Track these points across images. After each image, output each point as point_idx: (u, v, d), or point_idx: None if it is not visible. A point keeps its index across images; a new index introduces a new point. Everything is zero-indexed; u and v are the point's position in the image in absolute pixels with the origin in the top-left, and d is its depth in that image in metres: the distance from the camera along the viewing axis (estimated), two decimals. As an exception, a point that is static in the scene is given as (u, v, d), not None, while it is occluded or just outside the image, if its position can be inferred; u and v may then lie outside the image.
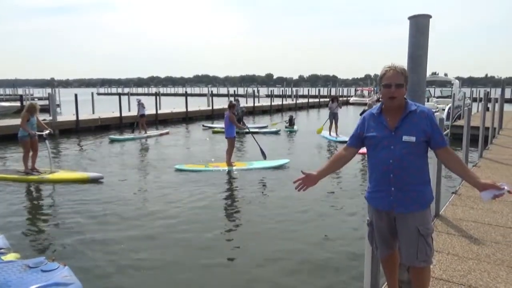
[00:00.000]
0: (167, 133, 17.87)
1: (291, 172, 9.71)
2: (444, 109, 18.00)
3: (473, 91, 30.51)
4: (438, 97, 25.38)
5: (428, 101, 22.70)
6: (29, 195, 7.83)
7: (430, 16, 2.87)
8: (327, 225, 6.14)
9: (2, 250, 4.52)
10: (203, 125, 21.13)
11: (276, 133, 17.96)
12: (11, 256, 4.37)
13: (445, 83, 29.98)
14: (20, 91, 60.34)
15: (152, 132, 17.68)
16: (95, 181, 8.55)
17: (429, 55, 2.94)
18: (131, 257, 4.98)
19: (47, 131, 8.97)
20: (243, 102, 31.39)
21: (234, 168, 9.96)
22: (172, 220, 6.34)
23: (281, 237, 5.67)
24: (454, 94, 19.17)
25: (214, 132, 18.31)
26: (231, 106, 10.69)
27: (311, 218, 6.44)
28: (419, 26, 2.87)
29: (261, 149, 10.54)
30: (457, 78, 24.75)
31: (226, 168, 9.94)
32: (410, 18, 2.90)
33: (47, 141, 8.98)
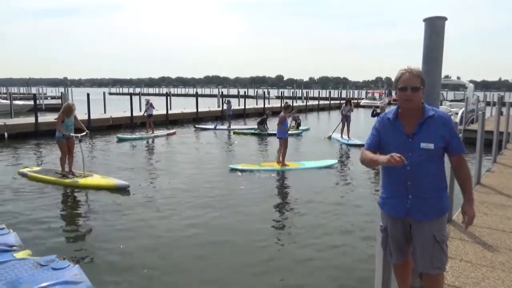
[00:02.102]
0: (174, 133, 17.98)
1: (334, 171, 10.30)
2: (457, 113, 17.77)
3: (486, 95, 29.94)
4: (451, 101, 25.02)
5: (441, 104, 22.43)
6: (55, 197, 7.69)
7: (445, 18, 2.82)
8: (340, 228, 6.12)
9: (14, 248, 4.57)
10: (194, 126, 21.15)
11: (298, 134, 18.05)
12: (23, 254, 4.42)
13: (458, 86, 29.54)
14: (33, 90, 61.32)
15: (159, 132, 17.78)
16: (121, 189, 8.17)
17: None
18: (144, 258, 4.97)
19: (83, 133, 8.75)
20: (253, 104, 31.25)
21: (286, 168, 10.19)
22: (202, 225, 6.27)
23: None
24: (467, 98, 18.91)
25: (235, 133, 18.36)
26: (286, 107, 10.71)
27: (329, 219, 6.48)
28: (435, 28, 2.81)
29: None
30: (470, 81, 24.34)
31: (279, 168, 10.17)
32: (425, 20, 2.85)
33: (81, 143, 8.77)
